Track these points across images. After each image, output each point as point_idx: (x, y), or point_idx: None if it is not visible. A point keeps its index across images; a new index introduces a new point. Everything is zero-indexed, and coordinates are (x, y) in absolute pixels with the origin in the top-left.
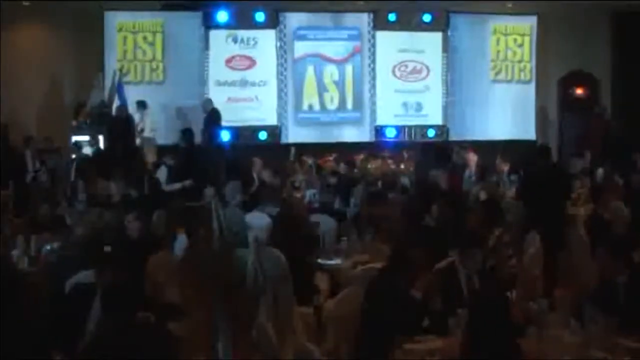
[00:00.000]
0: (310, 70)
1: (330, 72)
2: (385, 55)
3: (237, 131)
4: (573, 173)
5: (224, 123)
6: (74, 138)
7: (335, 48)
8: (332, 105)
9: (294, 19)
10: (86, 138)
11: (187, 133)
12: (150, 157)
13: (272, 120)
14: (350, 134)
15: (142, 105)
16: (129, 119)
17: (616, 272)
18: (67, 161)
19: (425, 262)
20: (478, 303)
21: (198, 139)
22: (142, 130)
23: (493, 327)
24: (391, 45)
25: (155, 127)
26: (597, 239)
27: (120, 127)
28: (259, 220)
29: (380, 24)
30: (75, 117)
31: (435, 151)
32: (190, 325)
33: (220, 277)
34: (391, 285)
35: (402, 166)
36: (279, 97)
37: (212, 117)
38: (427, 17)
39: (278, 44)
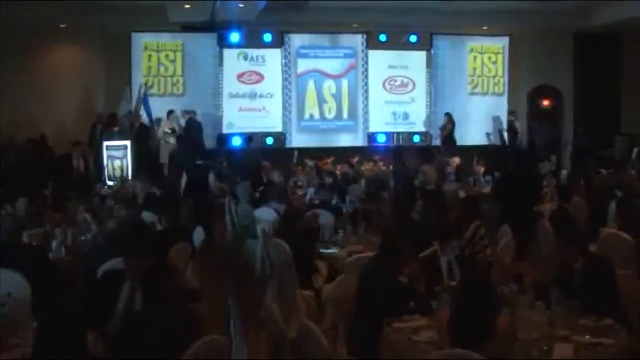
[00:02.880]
0: (311, 84)
1: (329, 86)
2: (376, 71)
3: (247, 137)
4: (542, 174)
5: (236, 130)
6: (105, 144)
7: (333, 65)
8: (330, 114)
9: (297, 40)
10: (116, 143)
11: None
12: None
13: (278, 128)
14: (346, 140)
15: (170, 113)
16: (142, 127)
17: (571, 259)
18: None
19: (411, 252)
20: (465, 285)
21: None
22: (174, 133)
23: (477, 306)
24: (382, 62)
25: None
26: (561, 231)
27: (138, 133)
28: (266, 215)
29: (373, 43)
30: (109, 126)
31: (422, 153)
32: (207, 307)
33: (233, 265)
34: (381, 271)
35: (392, 168)
36: (284, 108)
37: (192, 125)
38: (413, 38)
39: (283, 62)
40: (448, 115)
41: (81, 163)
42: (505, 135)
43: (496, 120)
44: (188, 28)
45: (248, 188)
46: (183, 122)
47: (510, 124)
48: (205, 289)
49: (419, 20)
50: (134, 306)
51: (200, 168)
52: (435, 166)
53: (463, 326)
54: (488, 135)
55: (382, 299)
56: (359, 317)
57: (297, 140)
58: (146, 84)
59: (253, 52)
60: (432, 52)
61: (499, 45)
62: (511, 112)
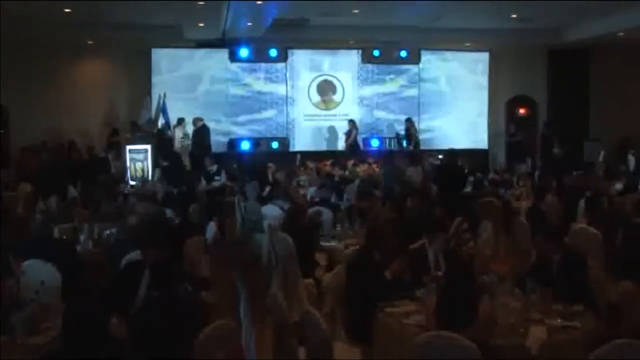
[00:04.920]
0: (312, 94)
1: (328, 95)
2: (370, 83)
3: (255, 141)
4: (521, 173)
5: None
6: (128, 147)
7: (332, 77)
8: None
9: (300, 54)
10: (137, 147)
11: None
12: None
13: (282, 133)
14: (343, 144)
15: (181, 121)
16: (161, 132)
17: (550, 252)
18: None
19: (399, 244)
20: (450, 275)
21: (224, 147)
22: (187, 137)
23: (460, 293)
24: (375, 75)
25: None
26: (536, 226)
27: (156, 139)
28: (272, 211)
29: (367, 58)
30: (132, 131)
31: (410, 156)
32: (218, 294)
33: (242, 256)
34: (364, 261)
35: (383, 169)
36: (288, 115)
37: (201, 131)
38: (403, 53)
39: (287, 74)
40: (352, 122)
41: (116, 164)
42: (401, 139)
43: (390, 127)
44: (202, 44)
45: (256, 187)
46: (192, 128)
47: (407, 130)
48: (217, 279)
49: (409, 37)
50: (152, 292)
51: (167, 167)
52: (420, 167)
53: (448, 311)
54: (397, 134)
55: (366, 286)
56: (349, 302)
57: (300, 144)
58: (165, 94)
59: (260, 66)
60: (420, 65)
61: (480, 59)
62: (407, 120)
